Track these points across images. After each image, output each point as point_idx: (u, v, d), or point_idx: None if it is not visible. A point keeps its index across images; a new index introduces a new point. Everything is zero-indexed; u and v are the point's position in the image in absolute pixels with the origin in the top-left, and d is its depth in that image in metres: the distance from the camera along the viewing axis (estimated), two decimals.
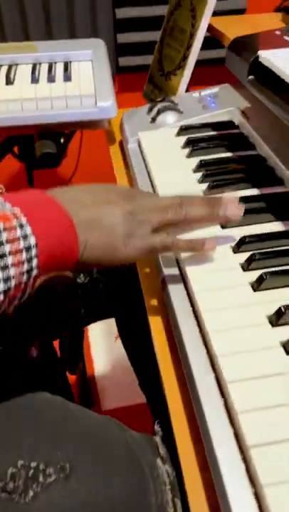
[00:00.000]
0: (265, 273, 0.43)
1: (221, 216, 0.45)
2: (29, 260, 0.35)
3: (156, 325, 0.48)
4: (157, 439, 0.45)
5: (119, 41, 1.18)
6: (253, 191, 0.56)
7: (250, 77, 0.55)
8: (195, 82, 0.88)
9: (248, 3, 1.17)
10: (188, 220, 0.44)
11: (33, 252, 0.35)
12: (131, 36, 1.18)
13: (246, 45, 0.59)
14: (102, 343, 1.38)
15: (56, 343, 0.71)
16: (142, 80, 1.04)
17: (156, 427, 0.47)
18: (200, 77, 0.87)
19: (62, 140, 1.01)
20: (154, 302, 0.50)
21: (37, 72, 0.85)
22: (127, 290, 0.67)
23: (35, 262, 0.36)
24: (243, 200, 0.53)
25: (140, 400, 0.82)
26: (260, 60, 0.52)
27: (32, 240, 0.35)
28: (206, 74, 0.95)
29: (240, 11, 1.17)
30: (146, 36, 1.18)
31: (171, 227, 0.45)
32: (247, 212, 0.51)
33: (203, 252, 0.45)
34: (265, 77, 0.52)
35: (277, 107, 0.49)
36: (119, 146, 0.81)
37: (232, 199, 0.46)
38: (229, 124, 0.71)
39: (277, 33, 0.59)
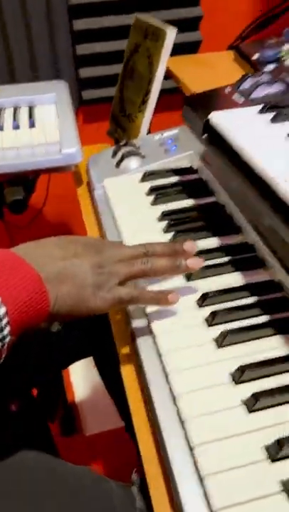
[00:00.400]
0: (226, 330, 0.46)
1: (183, 267, 0.49)
2: (1, 329, 0.37)
3: (128, 374, 0.51)
4: (134, 490, 0.48)
5: (81, 76, 1.21)
6: (214, 240, 0.60)
7: (205, 135, 0.58)
8: (156, 111, 0.92)
9: (203, 35, 1.22)
10: (153, 272, 0.48)
11: (5, 320, 0.37)
12: (92, 71, 1.21)
13: (200, 104, 0.63)
14: (81, 368, 1.40)
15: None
16: (105, 110, 1.07)
17: (134, 476, 0.50)
18: (162, 106, 0.91)
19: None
20: (126, 350, 0.53)
21: (2, 120, 0.88)
22: (100, 334, 0.70)
23: (7, 329, 0.38)
24: (205, 252, 0.57)
25: (122, 423, 0.84)
26: (210, 123, 0.56)
27: (2, 310, 0.37)
28: (167, 103, 0.98)
29: (196, 44, 1.22)
30: (107, 70, 1.21)
31: (138, 278, 0.48)
32: (210, 265, 0.55)
33: (168, 305, 0.48)
34: (218, 136, 0.56)
35: (228, 168, 0.53)
36: (87, 187, 0.84)
37: (191, 248, 0.50)
38: (189, 170, 0.74)
39: (228, 90, 0.63)
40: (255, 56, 0.82)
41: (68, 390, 1.35)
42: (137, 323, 0.51)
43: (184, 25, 1.19)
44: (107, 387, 0.85)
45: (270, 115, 0.54)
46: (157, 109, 0.88)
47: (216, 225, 0.62)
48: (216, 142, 0.56)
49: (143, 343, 0.49)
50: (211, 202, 0.67)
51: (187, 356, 0.45)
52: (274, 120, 0.53)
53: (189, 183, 0.72)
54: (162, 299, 0.47)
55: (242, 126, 0.53)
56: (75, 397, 1.37)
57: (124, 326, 0.54)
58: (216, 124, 0.55)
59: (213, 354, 0.46)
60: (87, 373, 1.38)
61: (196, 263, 0.49)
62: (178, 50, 1.17)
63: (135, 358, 0.50)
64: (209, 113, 0.58)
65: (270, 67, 0.77)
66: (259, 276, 0.54)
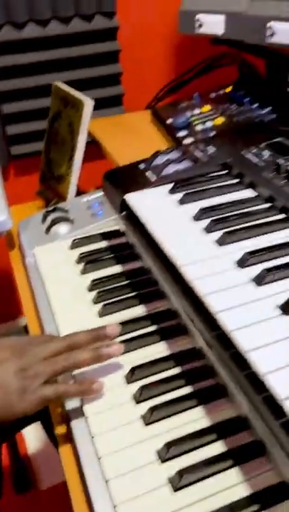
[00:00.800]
0: (152, 407, 0.49)
1: (105, 356, 0.52)
2: None
3: (65, 454, 0.52)
4: None
5: (8, 133, 1.23)
6: (141, 308, 0.63)
7: (123, 213, 0.62)
8: (87, 159, 0.95)
9: (126, 88, 1.28)
10: (76, 366, 0.51)
11: None
12: (19, 127, 1.24)
13: (117, 180, 0.66)
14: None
15: None
16: (35, 163, 1.10)
17: None
18: (90, 156, 0.94)
19: None
20: (63, 429, 0.55)
21: None
22: None
23: None
24: (132, 322, 0.61)
25: None
26: (127, 203, 0.60)
27: None
28: (94, 152, 1.02)
29: (119, 97, 1.28)
30: (34, 126, 1.24)
31: (62, 374, 0.50)
32: (136, 336, 0.59)
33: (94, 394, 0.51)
34: (134, 215, 0.60)
35: (144, 244, 0.57)
36: (19, 251, 0.85)
37: (113, 331, 0.53)
38: (116, 233, 0.78)
39: (142, 166, 0.67)
40: (169, 121, 0.88)
41: (21, 445, 1.33)
42: (71, 404, 0.53)
43: (106, 81, 1.26)
44: (56, 447, 0.86)
45: (179, 195, 0.59)
46: (85, 159, 0.91)
47: (142, 292, 0.66)
48: (133, 220, 0.60)
49: (76, 424, 0.51)
50: (138, 267, 0.71)
51: (117, 437, 0.48)
52: (182, 202, 0.58)
53: (117, 248, 0.75)
54: (87, 390, 0.50)
55: (154, 208, 0.58)
56: (27, 451, 1.34)
57: (59, 406, 0.56)
58: (131, 206, 0.59)
59: (141, 432, 0.48)
60: (38, 427, 1.36)
61: (116, 350, 0.52)
62: (103, 103, 1.24)
63: (71, 438, 0.52)
64: (126, 190, 0.63)
65: (183, 133, 0.83)
66: (183, 343, 0.58)
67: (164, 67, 1.25)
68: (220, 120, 0.82)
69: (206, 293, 0.44)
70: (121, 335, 0.58)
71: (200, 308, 0.45)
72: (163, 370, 0.55)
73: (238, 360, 0.39)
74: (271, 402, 0.35)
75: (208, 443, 0.47)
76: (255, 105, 0.83)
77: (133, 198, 0.60)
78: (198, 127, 0.82)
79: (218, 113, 0.85)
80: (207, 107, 0.88)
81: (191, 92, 0.97)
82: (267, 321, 0.40)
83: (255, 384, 0.37)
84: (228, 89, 0.92)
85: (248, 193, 0.60)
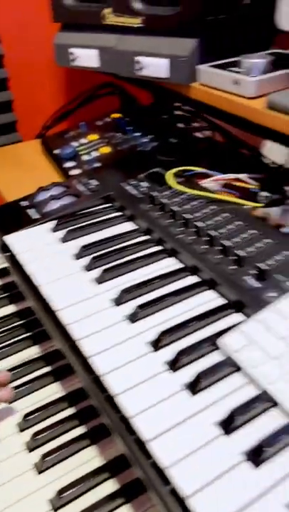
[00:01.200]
0: (44, 453, 0.48)
1: None
2: None
3: None
4: None
5: None
6: (33, 350, 0.62)
7: (7, 253, 0.61)
8: None
9: (20, 116, 1.26)
10: None
11: None
12: None
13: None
14: None
15: None
16: None
17: None
18: None
19: None
20: None
21: None
22: None
23: None
24: (24, 365, 0.59)
25: None
26: (6, 244, 0.59)
27: None
28: None
29: (12, 124, 1.25)
30: None
31: None
32: (27, 380, 0.57)
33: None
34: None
35: (26, 287, 0.56)
36: None
37: (3, 378, 0.51)
38: (6, 271, 0.76)
39: (24, 203, 0.67)
40: (57, 151, 0.88)
41: None
42: None
43: None
44: None
45: (62, 232, 0.59)
46: None
47: (36, 331, 0.64)
48: (15, 261, 0.59)
49: None
50: (26, 308, 0.69)
51: (9, 490, 0.47)
52: (64, 239, 0.58)
53: (10, 286, 0.74)
54: None
55: (34, 248, 0.57)
56: None
57: None
58: (11, 248, 0.58)
59: (33, 481, 0.47)
60: None
61: (6, 395, 0.51)
62: None
63: None
64: (7, 231, 0.61)
65: (70, 164, 0.83)
66: (73, 382, 0.57)
67: (56, 93, 1.25)
68: (106, 149, 0.84)
69: (80, 337, 0.44)
70: (14, 380, 0.57)
71: (78, 352, 0.46)
72: (56, 413, 0.54)
73: (113, 403, 0.40)
74: (141, 443, 0.36)
75: (100, 483, 0.47)
76: (138, 133, 0.85)
77: (12, 240, 0.59)
78: (85, 157, 0.83)
79: (105, 142, 0.86)
80: (94, 136, 0.89)
81: (83, 120, 0.98)
82: (138, 360, 0.41)
83: (128, 426, 0.38)
84: (113, 116, 0.94)
85: (129, 226, 0.62)
